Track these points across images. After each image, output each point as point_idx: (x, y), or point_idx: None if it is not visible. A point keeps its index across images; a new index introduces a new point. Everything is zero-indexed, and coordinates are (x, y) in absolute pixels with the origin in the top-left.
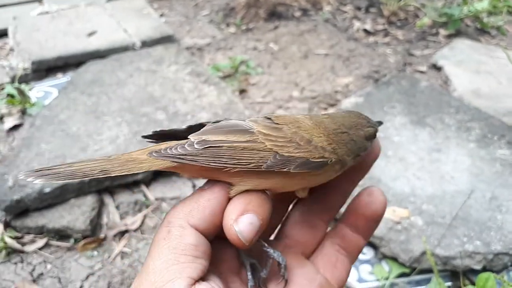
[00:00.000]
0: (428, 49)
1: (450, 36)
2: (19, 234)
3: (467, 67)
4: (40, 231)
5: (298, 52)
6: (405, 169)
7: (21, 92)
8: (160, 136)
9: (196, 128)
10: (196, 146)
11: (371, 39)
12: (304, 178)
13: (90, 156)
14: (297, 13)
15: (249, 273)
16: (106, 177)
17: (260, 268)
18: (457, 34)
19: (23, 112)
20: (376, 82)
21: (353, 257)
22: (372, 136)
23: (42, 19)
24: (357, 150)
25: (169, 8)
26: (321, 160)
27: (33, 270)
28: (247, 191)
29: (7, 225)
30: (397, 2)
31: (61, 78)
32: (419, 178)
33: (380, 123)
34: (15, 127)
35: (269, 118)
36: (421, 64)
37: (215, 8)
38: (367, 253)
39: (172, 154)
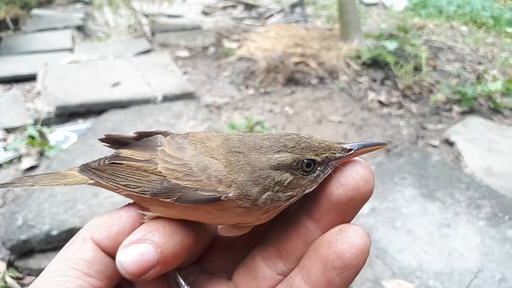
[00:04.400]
0: (441, 124)
1: (463, 113)
2: (20, 275)
3: (480, 145)
4: None
5: (313, 117)
6: (413, 242)
7: (42, 135)
8: (115, 142)
9: (144, 135)
10: (106, 161)
11: (385, 110)
12: (210, 212)
13: (101, 202)
14: (314, 81)
15: None
16: (35, 188)
17: None
18: (470, 111)
19: (41, 154)
20: (388, 152)
21: None
22: (290, 167)
23: (71, 67)
24: (263, 182)
25: (193, 67)
26: (211, 194)
27: None
28: (160, 218)
29: (10, 265)
30: (412, 77)
31: (82, 124)
32: (426, 252)
33: (361, 147)
34: (32, 168)
35: (187, 134)
36: (434, 138)
37: (236, 71)
38: None
39: (89, 169)
